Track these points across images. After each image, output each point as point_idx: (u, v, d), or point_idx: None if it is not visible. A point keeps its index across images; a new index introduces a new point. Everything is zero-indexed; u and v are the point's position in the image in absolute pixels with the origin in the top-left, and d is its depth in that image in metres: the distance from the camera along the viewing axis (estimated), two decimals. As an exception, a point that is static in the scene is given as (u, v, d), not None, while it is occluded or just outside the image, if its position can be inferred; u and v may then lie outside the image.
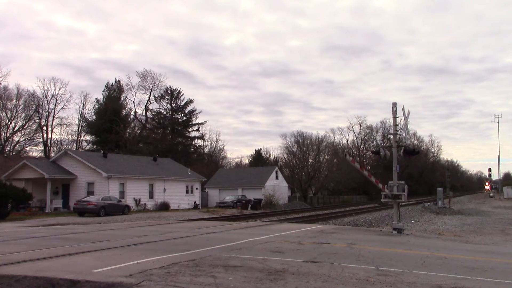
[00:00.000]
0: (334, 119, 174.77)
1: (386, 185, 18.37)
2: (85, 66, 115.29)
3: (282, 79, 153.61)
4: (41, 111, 63.73)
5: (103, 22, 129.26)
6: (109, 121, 64.44)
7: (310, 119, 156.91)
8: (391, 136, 19.07)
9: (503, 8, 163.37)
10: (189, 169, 51.11)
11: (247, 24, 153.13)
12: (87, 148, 68.29)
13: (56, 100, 64.81)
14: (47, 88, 66.39)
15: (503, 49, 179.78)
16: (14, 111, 61.16)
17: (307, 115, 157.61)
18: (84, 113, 69.59)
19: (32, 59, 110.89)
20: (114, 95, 71.91)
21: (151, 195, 43.21)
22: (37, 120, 63.77)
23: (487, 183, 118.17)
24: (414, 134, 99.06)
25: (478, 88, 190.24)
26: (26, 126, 62.76)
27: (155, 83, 72.25)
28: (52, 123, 65.03)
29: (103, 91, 72.65)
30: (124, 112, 72.38)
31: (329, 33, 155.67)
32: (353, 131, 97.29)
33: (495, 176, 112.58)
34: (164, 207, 42.18)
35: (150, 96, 72.83)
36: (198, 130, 78.74)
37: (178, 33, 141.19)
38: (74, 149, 62.66)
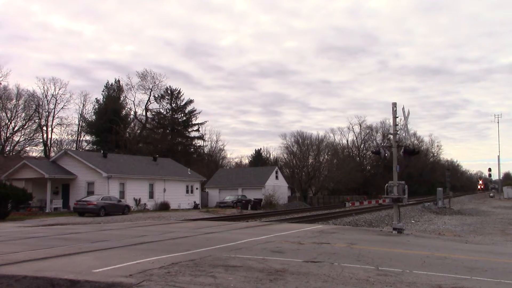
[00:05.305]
0: (332, 119, 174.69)
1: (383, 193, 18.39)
2: (83, 66, 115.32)
3: (279, 79, 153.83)
4: (41, 111, 63.72)
5: (99, 23, 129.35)
6: (109, 121, 64.38)
7: (308, 119, 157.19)
8: (391, 136, 19.09)
9: (498, 9, 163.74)
10: (189, 169, 51.10)
11: (243, 25, 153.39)
12: (87, 148, 68.23)
13: (56, 100, 64.83)
14: (47, 88, 66.41)
15: (498, 49, 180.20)
16: (14, 111, 61.13)
17: (305, 115, 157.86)
18: (84, 113, 69.63)
19: (30, 60, 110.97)
20: (114, 95, 71.77)
21: (151, 195, 43.21)
22: (37, 120, 63.77)
23: (480, 181, 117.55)
24: (414, 134, 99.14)
25: (475, 89, 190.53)
26: (26, 126, 62.77)
27: (155, 83, 72.23)
28: (52, 123, 65.05)
29: (103, 91, 72.62)
30: (124, 112, 72.27)
31: (324, 34, 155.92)
32: (353, 131, 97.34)
33: (495, 176, 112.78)
34: (164, 207, 42.17)
35: (150, 96, 72.78)
36: (198, 130, 78.84)
37: (174, 34, 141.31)
38: (74, 149, 62.61)
